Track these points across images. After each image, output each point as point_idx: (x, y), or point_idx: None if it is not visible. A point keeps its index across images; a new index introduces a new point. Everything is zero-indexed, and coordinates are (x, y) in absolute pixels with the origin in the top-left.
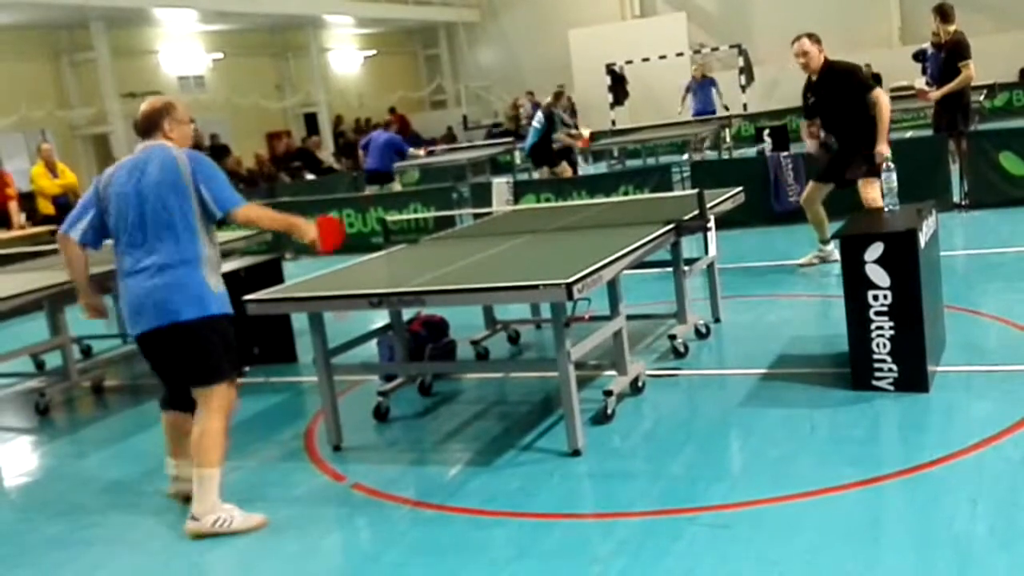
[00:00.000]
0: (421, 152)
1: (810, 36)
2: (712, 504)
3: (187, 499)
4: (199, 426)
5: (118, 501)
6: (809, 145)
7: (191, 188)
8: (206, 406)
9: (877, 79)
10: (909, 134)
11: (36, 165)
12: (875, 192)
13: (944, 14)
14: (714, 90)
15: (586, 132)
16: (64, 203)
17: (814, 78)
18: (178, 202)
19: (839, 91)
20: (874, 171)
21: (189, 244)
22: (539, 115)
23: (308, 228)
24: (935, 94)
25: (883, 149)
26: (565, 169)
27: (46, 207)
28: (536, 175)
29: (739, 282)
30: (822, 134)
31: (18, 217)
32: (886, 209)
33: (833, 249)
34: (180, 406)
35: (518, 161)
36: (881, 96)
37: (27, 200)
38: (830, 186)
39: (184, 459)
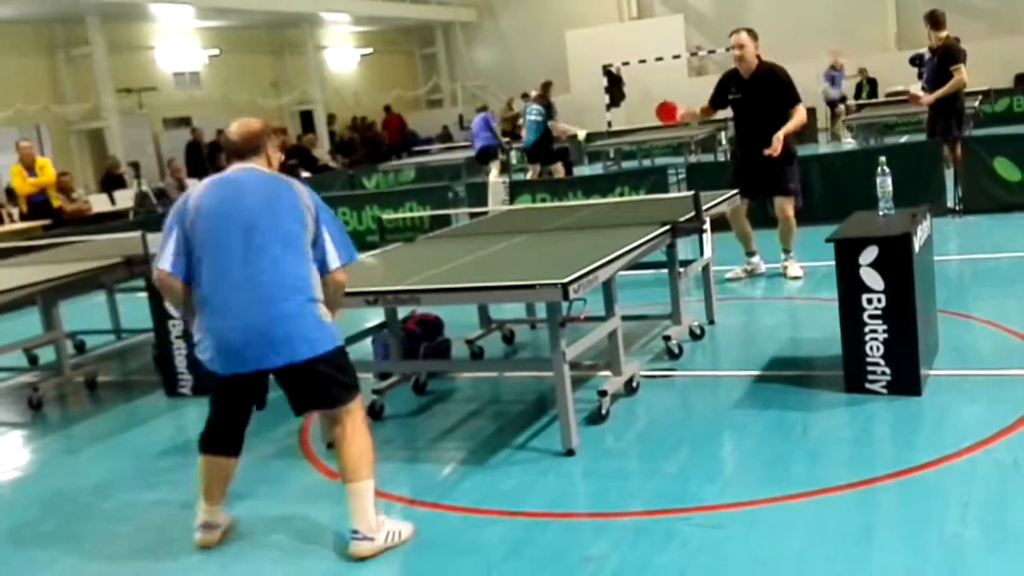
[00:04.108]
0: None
1: (749, 31)
2: (705, 504)
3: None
4: (352, 442)
5: (109, 497)
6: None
7: (310, 218)
8: (351, 421)
9: (873, 83)
10: (904, 139)
11: (14, 163)
12: (790, 209)
13: (935, 21)
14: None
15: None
16: (40, 201)
17: (745, 75)
18: (292, 226)
19: (770, 94)
20: (788, 190)
21: (303, 270)
22: (535, 107)
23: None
24: (927, 99)
25: (780, 136)
26: (558, 168)
27: (23, 205)
28: (529, 174)
29: (734, 284)
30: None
31: (8, 211)
32: (880, 213)
33: (760, 261)
34: (228, 450)
35: (514, 161)
36: (801, 109)
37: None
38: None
39: (217, 504)
